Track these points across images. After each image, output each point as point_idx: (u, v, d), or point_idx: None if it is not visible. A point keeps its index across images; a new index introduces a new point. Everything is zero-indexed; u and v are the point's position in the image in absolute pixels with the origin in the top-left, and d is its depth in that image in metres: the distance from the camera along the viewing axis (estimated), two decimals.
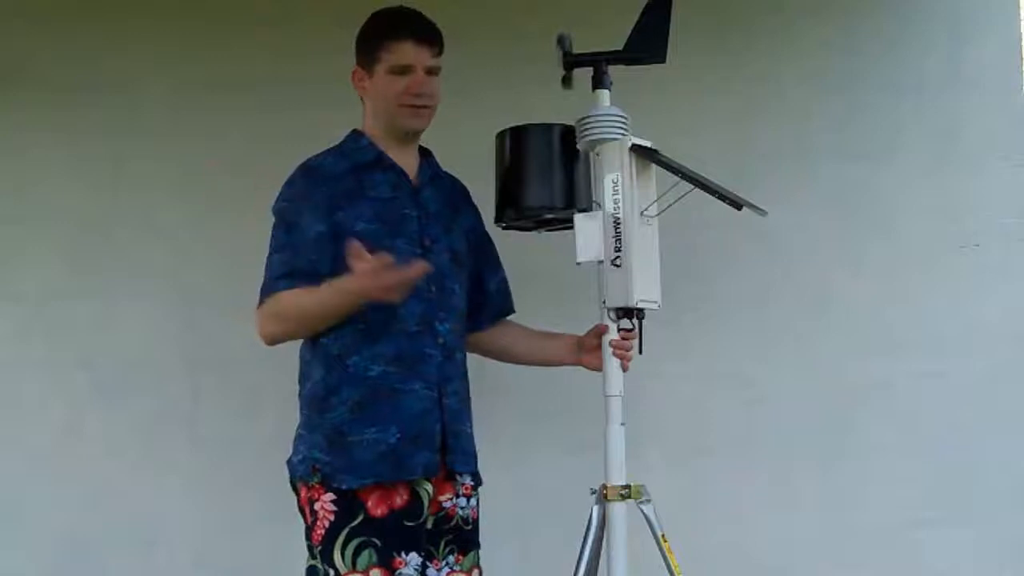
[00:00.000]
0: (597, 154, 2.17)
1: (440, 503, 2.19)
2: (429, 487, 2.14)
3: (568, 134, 2.21)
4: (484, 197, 2.31)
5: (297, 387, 2.22)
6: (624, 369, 2.17)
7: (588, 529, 2.13)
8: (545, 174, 2.22)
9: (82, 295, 2.99)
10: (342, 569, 2.06)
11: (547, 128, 2.22)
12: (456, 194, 2.35)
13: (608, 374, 2.16)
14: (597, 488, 2.13)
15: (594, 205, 2.18)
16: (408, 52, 2.17)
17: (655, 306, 2.15)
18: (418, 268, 1.97)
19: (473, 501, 2.25)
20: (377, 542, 2.06)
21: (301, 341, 2.21)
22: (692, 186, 2.07)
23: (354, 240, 1.97)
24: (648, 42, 2.19)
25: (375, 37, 2.21)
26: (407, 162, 2.25)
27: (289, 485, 2.19)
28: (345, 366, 2.12)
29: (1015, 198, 3.07)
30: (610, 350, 2.16)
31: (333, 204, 2.14)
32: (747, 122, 3.06)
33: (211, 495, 2.94)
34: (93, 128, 3.02)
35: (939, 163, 3.08)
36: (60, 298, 2.99)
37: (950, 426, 2.99)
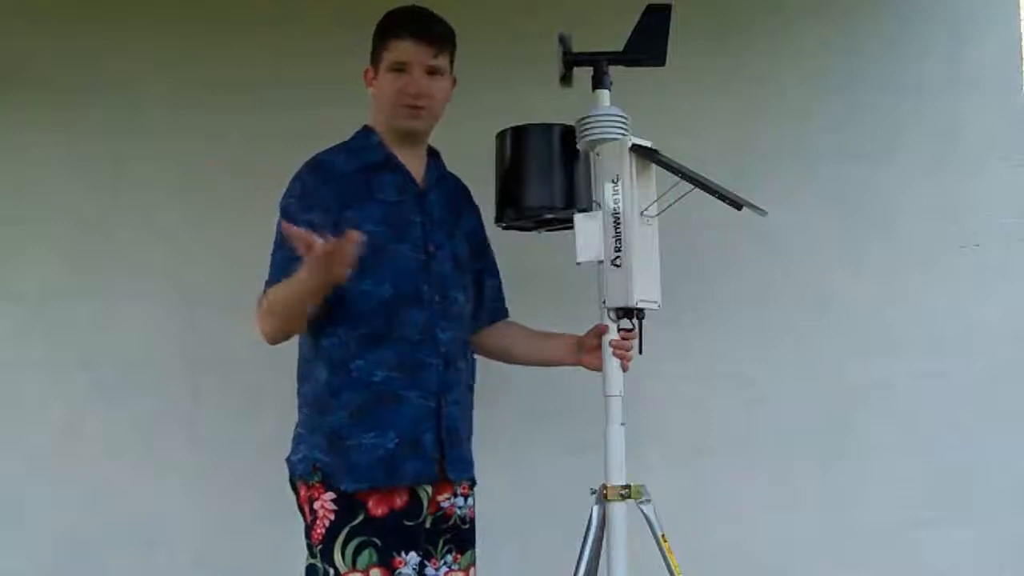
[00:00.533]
0: (597, 154, 2.17)
1: (438, 503, 2.19)
2: (428, 487, 2.14)
3: (568, 134, 2.21)
4: (484, 197, 2.31)
5: (296, 385, 2.22)
6: (624, 369, 2.17)
7: (588, 529, 2.12)
8: (545, 174, 2.22)
9: (82, 295, 2.99)
10: (342, 568, 2.05)
11: (547, 128, 2.22)
12: (459, 196, 2.35)
13: (608, 374, 2.16)
14: (597, 488, 2.13)
15: (594, 205, 2.18)
16: (406, 50, 2.16)
17: (655, 306, 2.15)
18: (351, 236, 1.88)
19: (471, 501, 2.25)
20: (377, 541, 2.06)
21: (300, 339, 2.20)
22: (692, 186, 2.07)
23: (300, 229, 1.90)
24: (648, 44, 2.19)
25: (379, 35, 2.21)
26: (414, 164, 2.25)
27: (288, 484, 2.19)
28: (348, 370, 2.12)
29: (1015, 198, 3.07)
30: (610, 350, 2.15)
31: (341, 203, 2.13)
32: (747, 122, 3.06)
33: (211, 495, 2.94)
34: (93, 128, 3.02)
35: (939, 163, 3.08)
36: (60, 298, 2.99)
37: (950, 426, 2.99)
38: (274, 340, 2.15)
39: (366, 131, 2.26)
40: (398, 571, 2.06)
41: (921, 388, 2.99)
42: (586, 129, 2.16)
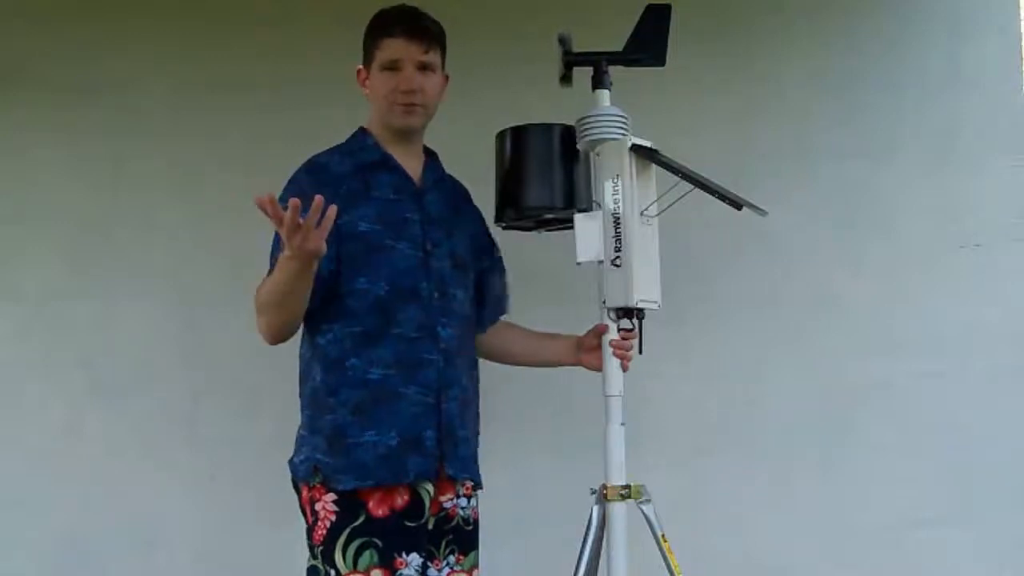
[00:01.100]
0: (597, 154, 2.17)
1: (441, 503, 2.19)
2: (430, 488, 2.14)
3: (568, 134, 2.21)
4: (484, 197, 2.31)
5: (297, 387, 2.22)
6: (624, 369, 2.17)
7: (588, 529, 2.12)
8: (545, 174, 2.22)
9: (82, 295, 2.99)
10: (343, 569, 2.05)
11: (547, 128, 2.22)
12: (458, 197, 2.35)
13: (608, 374, 2.16)
14: (597, 488, 2.13)
15: (594, 205, 2.18)
16: (398, 48, 2.16)
17: (655, 306, 2.15)
18: (319, 202, 1.84)
19: (474, 501, 2.25)
20: (378, 542, 2.06)
21: (300, 340, 2.20)
22: (692, 186, 2.07)
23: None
24: (648, 44, 2.20)
25: (369, 35, 2.22)
26: (411, 163, 2.25)
27: (291, 485, 2.19)
28: (344, 368, 2.12)
29: (1015, 198, 3.07)
30: (610, 350, 2.16)
31: (338, 204, 2.11)
32: (747, 122, 3.06)
33: (211, 495, 2.95)
34: (93, 128, 3.02)
35: (939, 163, 3.08)
36: (60, 298, 2.99)
37: (950, 426, 2.99)
38: (273, 338, 2.13)
39: (362, 133, 2.26)
40: (399, 572, 2.06)
41: (921, 388, 2.99)
42: (586, 129, 2.16)
